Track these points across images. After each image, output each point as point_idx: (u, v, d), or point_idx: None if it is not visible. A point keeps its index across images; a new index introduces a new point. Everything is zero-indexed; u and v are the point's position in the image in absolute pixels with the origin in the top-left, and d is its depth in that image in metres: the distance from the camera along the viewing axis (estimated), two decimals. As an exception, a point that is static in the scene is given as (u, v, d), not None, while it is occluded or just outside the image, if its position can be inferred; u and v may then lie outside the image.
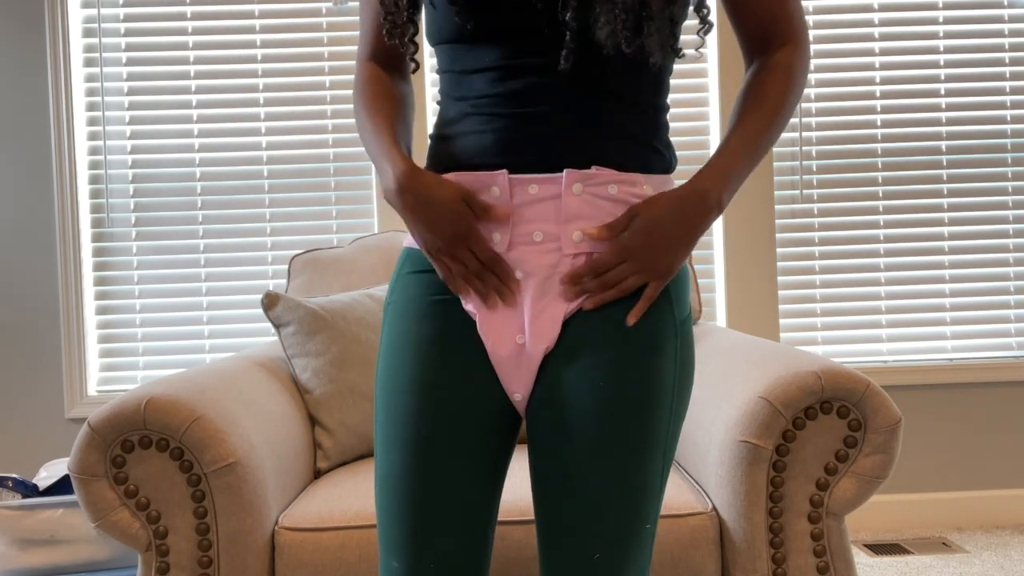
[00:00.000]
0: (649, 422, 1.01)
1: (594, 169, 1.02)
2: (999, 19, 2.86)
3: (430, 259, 1.04)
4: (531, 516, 1.35)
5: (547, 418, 1.03)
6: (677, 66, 3.17)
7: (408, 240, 1.11)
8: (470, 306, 1.04)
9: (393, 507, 1.03)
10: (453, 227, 1.00)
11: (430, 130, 1.18)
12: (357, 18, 2.79)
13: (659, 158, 1.08)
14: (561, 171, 1.02)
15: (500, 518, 1.38)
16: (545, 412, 1.03)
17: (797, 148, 2.85)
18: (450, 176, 1.04)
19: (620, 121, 1.04)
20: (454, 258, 1.01)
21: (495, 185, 1.02)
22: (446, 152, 1.07)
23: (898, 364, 2.85)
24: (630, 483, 1.00)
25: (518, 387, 1.04)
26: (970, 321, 2.88)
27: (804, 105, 2.84)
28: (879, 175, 2.86)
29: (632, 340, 1.01)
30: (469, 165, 1.04)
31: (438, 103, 1.13)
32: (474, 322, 1.04)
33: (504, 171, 1.02)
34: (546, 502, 1.03)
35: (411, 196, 1.01)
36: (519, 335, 1.03)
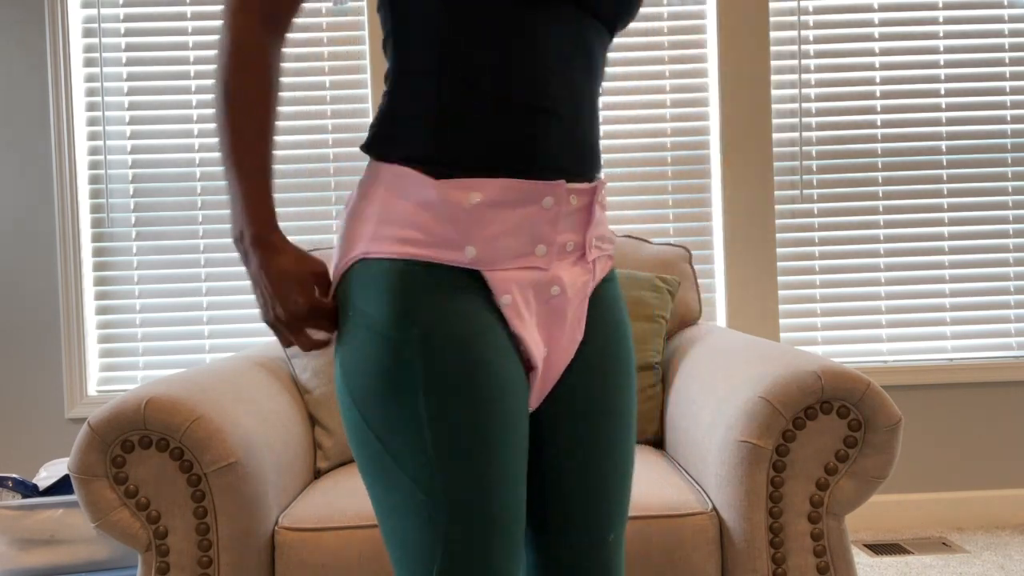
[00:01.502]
0: (634, 408, 1.10)
1: (602, 175, 1.03)
2: (999, 19, 2.87)
3: (270, 325, 0.99)
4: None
5: (565, 412, 1.04)
6: (677, 66, 3.16)
7: (388, 248, 0.93)
8: (521, 329, 0.97)
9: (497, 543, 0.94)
10: (300, 304, 0.95)
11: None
12: (357, 18, 2.80)
13: None
14: (592, 180, 1.01)
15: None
16: (563, 407, 1.04)
17: (797, 148, 2.85)
18: (500, 183, 0.93)
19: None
20: (290, 330, 0.97)
21: (550, 196, 0.95)
22: (483, 149, 0.93)
23: (898, 364, 2.85)
24: (630, 467, 1.08)
25: (541, 394, 1.04)
26: (970, 321, 2.88)
27: (804, 105, 2.84)
28: (879, 175, 2.86)
29: (625, 333, 1.09)
30: (521, 171, 0.94)
31: (421, 72, 0.95)
32: (510, 336, 0.98)
33: (563, 181, 0.96)
34: (561, 490, 1.04)
35: (266, 260, 0.95)
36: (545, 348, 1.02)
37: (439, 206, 0.92)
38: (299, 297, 0.95)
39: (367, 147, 0.99)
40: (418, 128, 0.94)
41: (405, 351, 0.90)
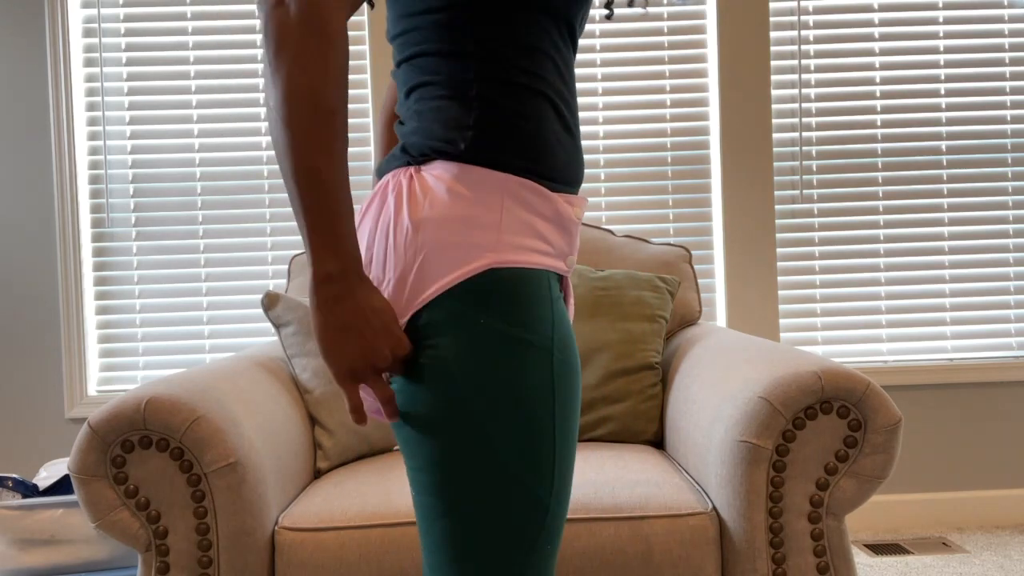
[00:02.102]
0: None
1: None
2: (999, 19, 2.87)
3: (341, 382, 0.90)
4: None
5: None
6: (677, 66, 3.16)
7: (527, 259, 0.94)
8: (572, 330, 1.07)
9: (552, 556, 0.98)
10: (391, 351, 0.90)
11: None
12: (358, 18, 2.79)
13: None
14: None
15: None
16: None
17: (797, 148, 2.85)
18: (581, 199, 1.01)
19: None
20: (370, 384, 0.91)
21: (580, 208, 1.03)
22: (573, 166, 1.01)
23: (898, 364, 2.85)
24: None
25: None
26: (970, 321, 2.88)
27: (804, 105, 2.84)
28: (879, 175, 2.86)
29: None
30: (577, 187, 1.03)
31: (475, 76, 0.95)
32: None
33: (585, 197, 1.05)
34: None
35: (372, 297, 0.89)
36: None
37: (556, 218, 0.97)
38: (403, 336, 0.90)
39: (471, 150, 0.94)
40: (533, 143, 0.96)
41: (552, 360, 0.92)
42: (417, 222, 0.92)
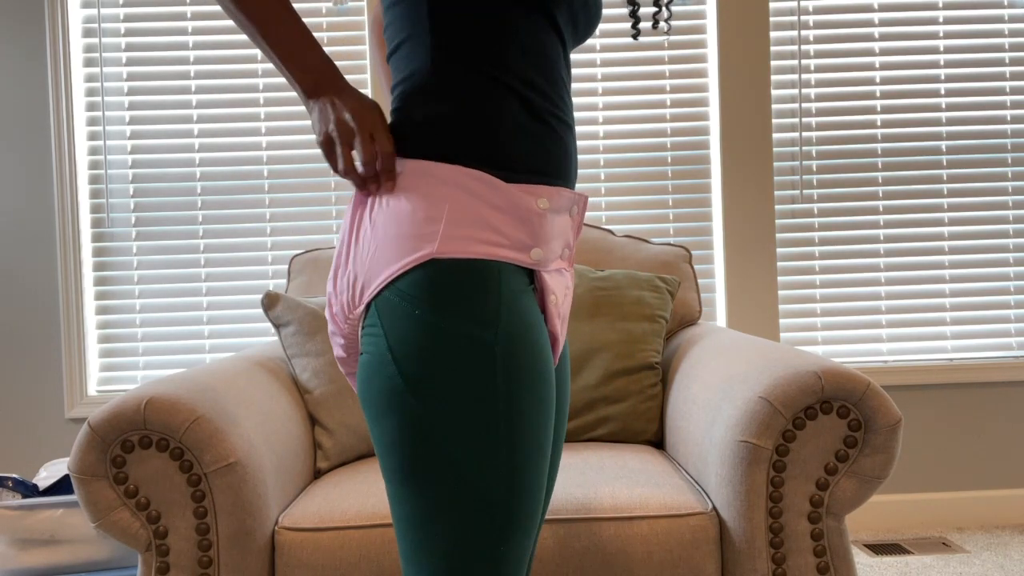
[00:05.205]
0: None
1: None
2: (999, 19, 2.87)
3: (329, 147, 0.98)
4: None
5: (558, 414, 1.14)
6: (677, 66, 3.16)
7: (469, 249, 0.94)
8: (557, 328, 1.05)
9: (525, 550, 0.97)
10: (374, 118, 0.97)
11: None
12: (357, 18, 2.80)
13: None
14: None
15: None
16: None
17: (797, 148, 2.85)
18: (557, 190, 1.00)
19: None
20: (361, 147, 0.97)
21: (575, 205, 1.05)
22: (543, 158, 1.00)
23: (898, 364, 2.85)
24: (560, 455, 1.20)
25: None
26: (970, 321, 2.88)
27: (804, 105, 2.84)
28: (879, 175, 2.87)
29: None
30: (563, 181, 1.03)
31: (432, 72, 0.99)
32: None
33: (584, 193, 1.06)
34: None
35: (343, 83, 0.99)
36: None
37: (512, 209, 0.96)
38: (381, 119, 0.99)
39: (423, 145, 0.97)
40: (486, 134, 0.96)
41: (494, 353, 0.91)
42: (374, 218, 0.97)
